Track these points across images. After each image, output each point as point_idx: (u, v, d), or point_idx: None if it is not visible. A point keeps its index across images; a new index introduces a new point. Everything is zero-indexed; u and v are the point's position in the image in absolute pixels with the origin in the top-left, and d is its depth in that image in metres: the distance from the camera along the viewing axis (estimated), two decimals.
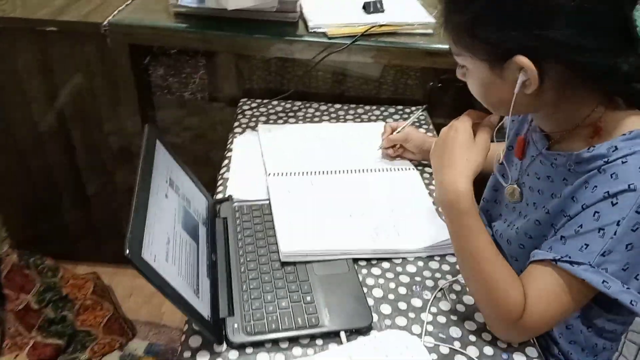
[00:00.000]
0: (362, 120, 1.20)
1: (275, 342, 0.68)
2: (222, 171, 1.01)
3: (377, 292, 0.76)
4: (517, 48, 0.59)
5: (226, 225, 0.85)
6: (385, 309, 0.74)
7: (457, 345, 0.69)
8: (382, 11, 1.26)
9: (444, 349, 0.68)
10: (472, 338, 0.70)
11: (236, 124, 1.16)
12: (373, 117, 1.21)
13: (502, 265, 0.67)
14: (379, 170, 1.00)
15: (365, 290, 0.75)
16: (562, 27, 0.57)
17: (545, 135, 0.73)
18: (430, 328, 0.71)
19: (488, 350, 0.69)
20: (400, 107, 1.26)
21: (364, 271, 0.79)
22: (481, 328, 0.71)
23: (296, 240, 0.80)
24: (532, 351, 0.69)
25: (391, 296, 0.75)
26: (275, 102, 1.22)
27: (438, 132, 1.14)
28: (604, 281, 0.60)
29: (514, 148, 0.81)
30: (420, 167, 1.03)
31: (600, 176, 0.62)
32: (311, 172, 0.97)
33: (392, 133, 1.04)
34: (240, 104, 1.24)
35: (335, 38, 1.16)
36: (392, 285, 0.77)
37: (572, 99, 0.64)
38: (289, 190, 0.92)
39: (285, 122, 1.18)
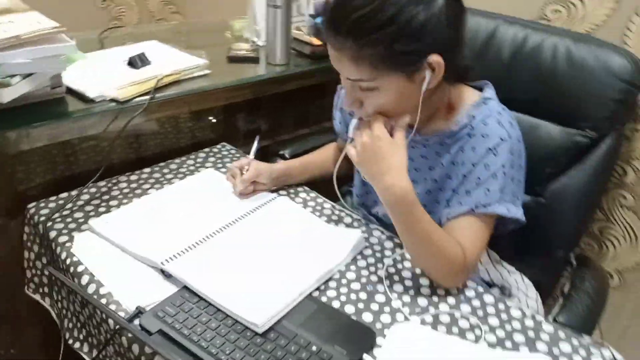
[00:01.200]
0: (184, 175, 1.14)
1: None
2: (92, 288, 0.81)
3: (349, 309, 0.80)
4: (427, 50, 0.73)
5: (168, 336, 0.71)
6: (367, 317, 0.78)
7: (432, 310, 0.81)
8: (150, 63, 1.21)
9: (428, 318, 0.79)
10: (435, 299, 0.83)
11: (53, 232, 0.92)
12: (192, 168, 1.16)
13: (442, 232, 0.81)
14: (256, 209, 1.00)
15: None
16: (445, 26, 0.73)
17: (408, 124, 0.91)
18: (406, 310, 0.80)
19: (451, 300, 0.83)
20: (206, 149, 1.24)
21: (324, 299, 0.81)
22: (433, 288, 0.85)
23: (258, 307, 0.75)
24: (471, 283, 0.87)
25: (361, 305, 0.80)
26: (74, 193, 1.02)
27: (262, 158, 1.19)
28: (507, 209, 0.82)
29: None
30: (275, 193, 1.07)
31: (472, 139, 0.83)
32: (199, 241, 0.89)
33: (241, 173, 1.04)
34: (31, 209, 0.98)
35: (127, 101, 1.05)
36: (353, 296, 0.82)
37: (441, 87, 0.82)
38: (197, 267, 0.83)
39: (108, 208, 1.01)
